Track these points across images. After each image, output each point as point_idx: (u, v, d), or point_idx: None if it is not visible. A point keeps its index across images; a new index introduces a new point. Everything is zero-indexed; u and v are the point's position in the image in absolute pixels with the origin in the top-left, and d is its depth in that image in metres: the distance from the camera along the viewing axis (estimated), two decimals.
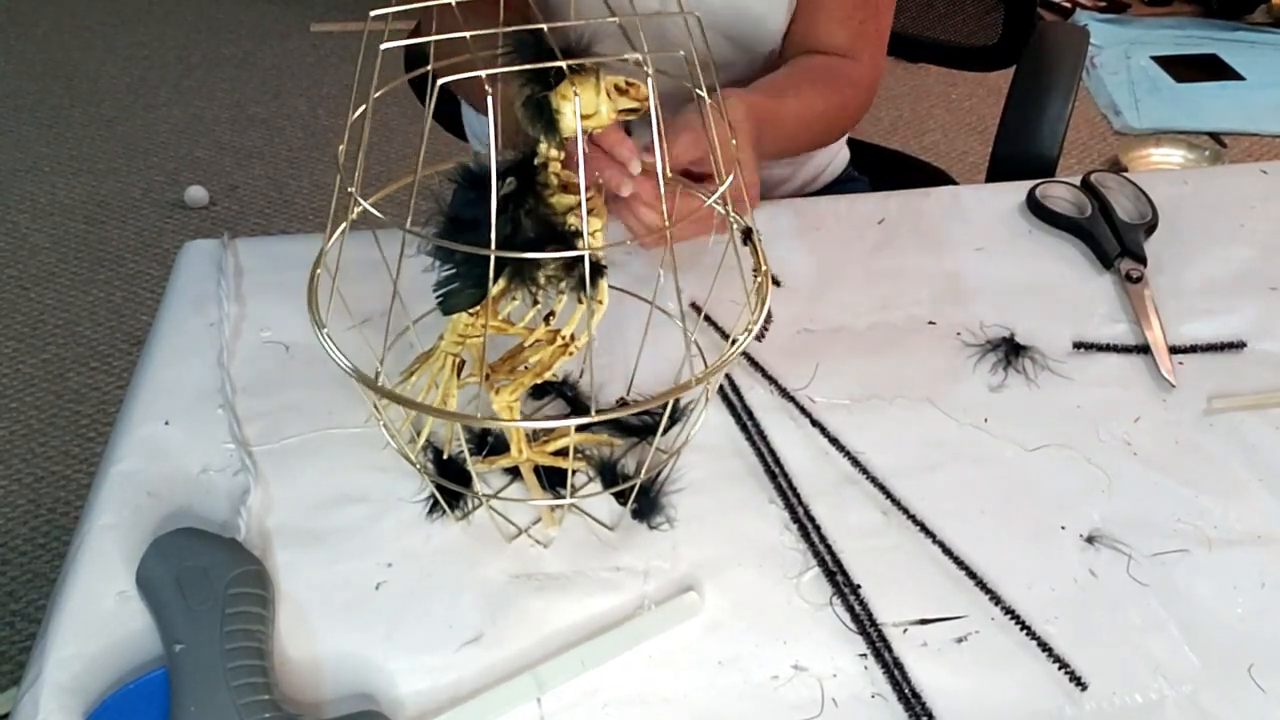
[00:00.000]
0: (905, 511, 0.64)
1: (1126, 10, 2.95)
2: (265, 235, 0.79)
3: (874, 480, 0.66)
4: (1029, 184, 0.91)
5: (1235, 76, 2.64)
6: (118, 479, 0.66)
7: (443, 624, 0.59)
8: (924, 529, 0.63)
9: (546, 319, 0.61)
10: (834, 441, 0.69)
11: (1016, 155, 1.11)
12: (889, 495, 0.65)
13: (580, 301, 0.57)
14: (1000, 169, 1.13)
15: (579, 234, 0.55)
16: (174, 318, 0.78)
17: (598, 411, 0.58)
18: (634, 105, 0.56)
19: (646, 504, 0.63)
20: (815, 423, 0.70)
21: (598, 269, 0.56)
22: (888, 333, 0.78)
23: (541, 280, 0.55)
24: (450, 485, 0.61)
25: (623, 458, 0.66)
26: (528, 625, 0.58)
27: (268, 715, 0.51)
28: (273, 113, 2.64)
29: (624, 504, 0.63)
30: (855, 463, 0.67)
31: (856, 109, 1.00)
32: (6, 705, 1.33)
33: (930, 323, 0.79)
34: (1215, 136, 2.45)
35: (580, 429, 0.66)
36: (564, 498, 0.62)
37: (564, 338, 0.60)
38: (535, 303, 0.60)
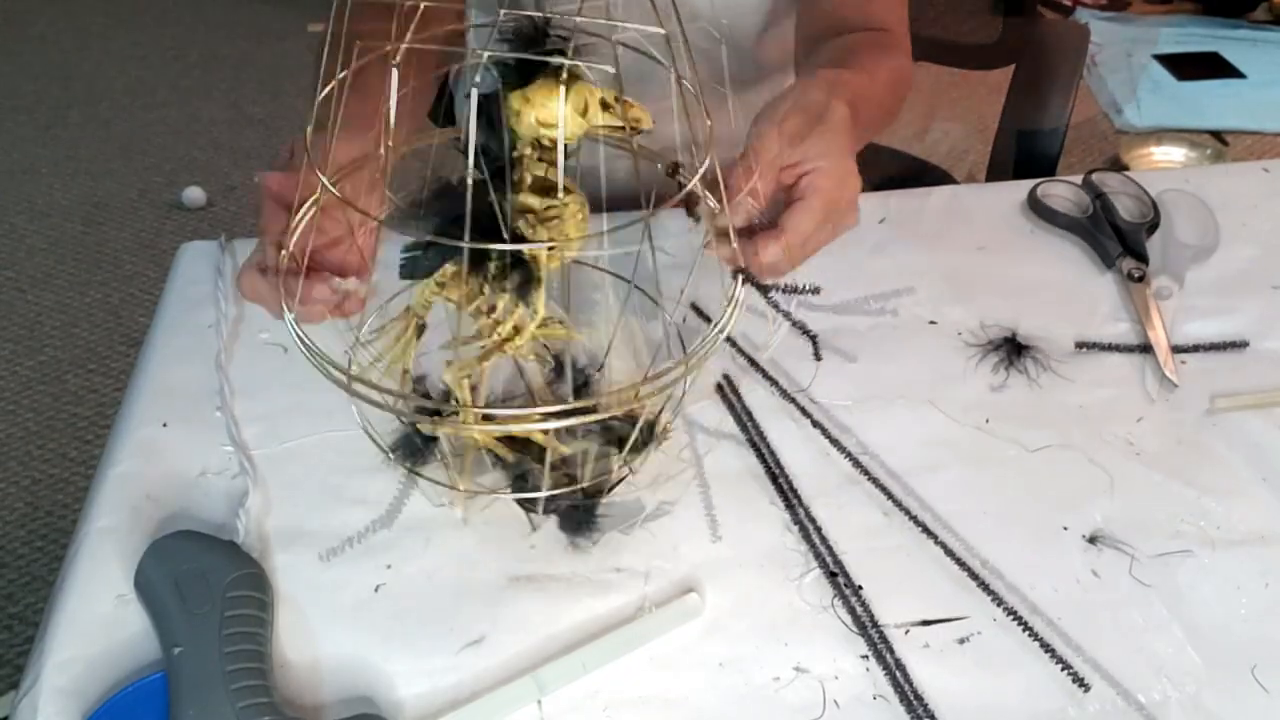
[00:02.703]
0: (907, 512, 0.64)
1: (1128, 8, 2.95)
2: None
3: (875, 481, 0.66)
4: (1030, 183, 0.91)
5: (1237, 74, 2.63)
6: (116, 481, 0.66)
7: (443, 626, 0.58)
8: (925, 530, 0.63)
9: (489, 311, 0.59)
10: (835, 442, 0.68)
11: (1017, 154, 1.11)
12: (890, 496, 0.65)
13: (515, 306, 0.56)
14: (1001, 168, 1.13)
15: (522, 238, 0.54)
16: (172, 319, 0.78)
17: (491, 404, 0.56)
18: (616, 123, 0.55)
19: (581, 517, 0.61)
20: (816, 424, 0.70)
21: (533, 280, 0.55)
22: (888, 333, 0.77)
23: (491, 273, 0.54)
24: (420, 474, 0.61)
25: (586, 468, 0.62)
26: (528, 627, 0.58)
27: (267, 718, 0.51)
28: (270, 113, 2.63)
29: (531, 510, 0.61)
30: (856, 464, 0.67)
31: (908, 77, 0.89)
32: (5, 709, 1.33)
33: (931, 323, 0.78)
34: (1217, 135, 2.45)
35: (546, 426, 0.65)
36: (496, 486, 0.62)
37: (500, 334, 0.58)
38: (480, 292, 0.59)
